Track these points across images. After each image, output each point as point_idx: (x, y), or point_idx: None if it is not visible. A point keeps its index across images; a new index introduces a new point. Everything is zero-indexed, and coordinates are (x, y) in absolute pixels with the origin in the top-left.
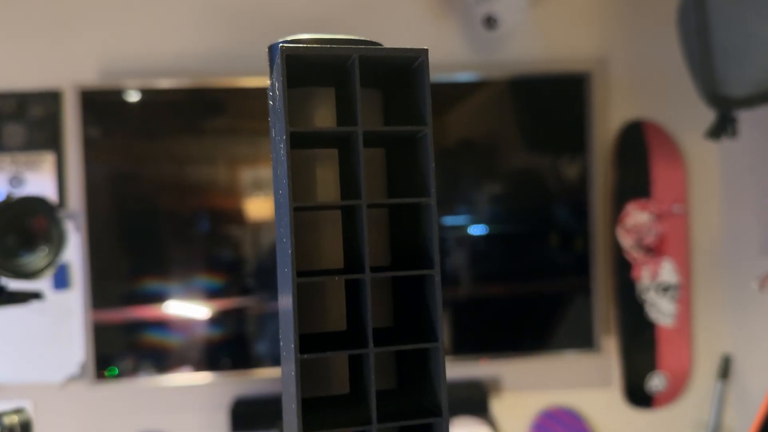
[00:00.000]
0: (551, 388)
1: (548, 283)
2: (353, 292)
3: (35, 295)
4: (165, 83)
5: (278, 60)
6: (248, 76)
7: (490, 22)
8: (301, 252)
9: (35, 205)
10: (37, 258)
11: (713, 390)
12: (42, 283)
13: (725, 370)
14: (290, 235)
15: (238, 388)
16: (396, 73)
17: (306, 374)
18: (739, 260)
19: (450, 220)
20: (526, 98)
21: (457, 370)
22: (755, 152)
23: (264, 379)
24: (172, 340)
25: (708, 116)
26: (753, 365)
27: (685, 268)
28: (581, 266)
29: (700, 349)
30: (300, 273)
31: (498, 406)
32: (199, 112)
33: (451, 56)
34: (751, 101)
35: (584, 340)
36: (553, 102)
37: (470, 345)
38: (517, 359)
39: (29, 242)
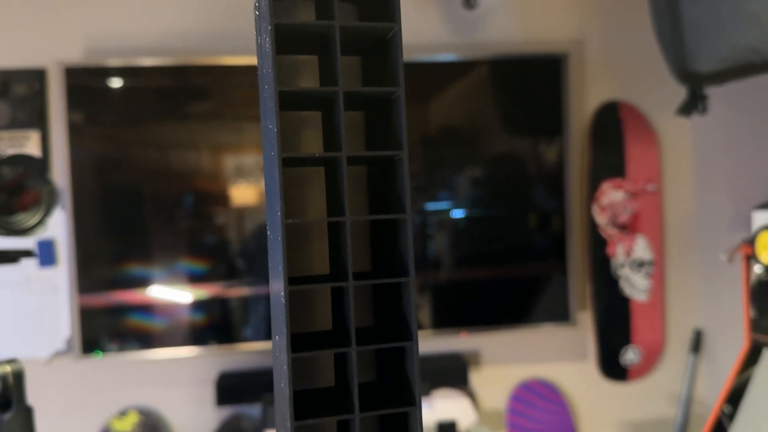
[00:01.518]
0: (529, 361)
1: (527, 260)
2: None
3: (26, 253)
4: (149, 62)
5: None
6: (233, 55)
7: (469, 1)
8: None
9: (25, 162)
10: (29, 215)
11: (685, 363)
12: (28, 262)
13: (697, 343)
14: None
15: (223, 362)
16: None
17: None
18: (711, 237)
19: (432, 206)
20: (505, 80)
21: (438, 343)
22: (726, 132)
23: (248, 353)
24: (157, 323)
25: (681, 97)
26: (723, 339)
27: (659, 244)
28: (558, 244)
29: (673, 323)
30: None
31: (477, 379)
32: (184, 94)
33: (432, 37)
34: (720, 77)
35: (561, 315)
36: (531, 84)
37: (451, 319)
38: (496, 333)
39: (21, 199)
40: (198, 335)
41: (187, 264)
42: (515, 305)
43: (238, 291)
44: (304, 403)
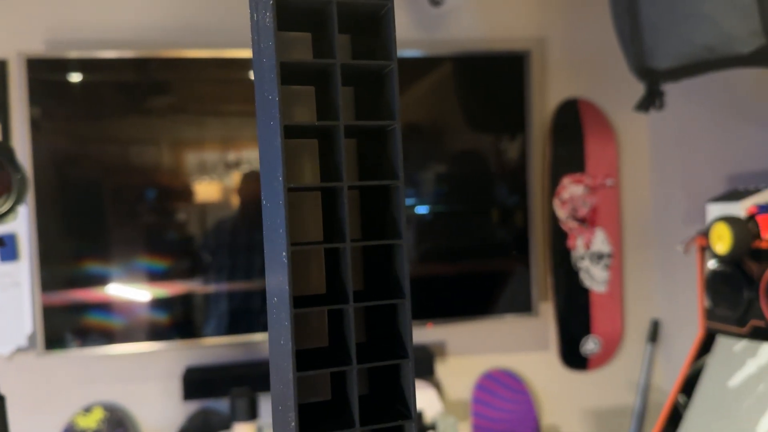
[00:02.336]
0: (493, 351)
1: (491, 254)
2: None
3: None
4: (112, 54)
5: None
6: (196, 49)
7: None
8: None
9: None
10: (0, 202)
11: (643, 352)
12: None
13: (654, 333)
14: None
15: (190, 356)
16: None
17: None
18: (667, 230)
19: None
20: (469, 77)
21: None
22: (681, 128)
23: (214, 347)
24: (121, 319)
25: (637, 94)
26: (678, 328)
27: (617, 237)
28: (521, 237)
29: (631, 313)
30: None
31: (443, 369)
32: (146, 88)
33: (397, 33)
34: (676, 73)
35: (523, 306)
36: (494, 81)
37: (418, 312)
38: (461, 324)
39: None
40: (162, 331)
41: (150, 260)
42: (480, 297)
43: (201, 286)
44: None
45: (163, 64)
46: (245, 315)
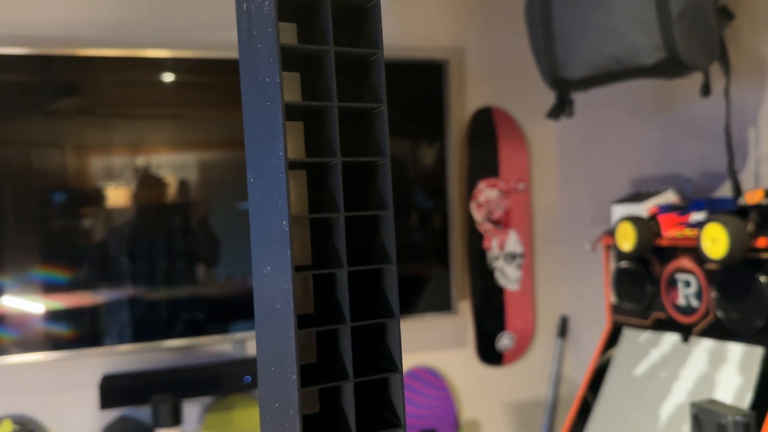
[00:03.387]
0: (414, 350)
1: (411, 256)
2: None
3: None
4: (13, 51)
5: None
6: (104, 48)
7: None
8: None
9: None
10: None
11: (553, 347)
12: None
13: (563, 328)
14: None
15: (107, 364)
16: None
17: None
18: (574, 231)
19: None
20: (389, 84)
21: None
22: (586, 135)
23: (130, 354)
24: (13, 332)
25: (547, 104)
26: (585, 323)
27: (528, 238)
28: (440, 239)
29: (542, 310)
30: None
31: None
32: (49, 89)
33: None
34: (586, 83)
35: (443, 305)
36: (414, 88)
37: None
38: None
39: None
40: (71, 340)
41: (51, 268)
42: (402, 297)
43: (113, 293)
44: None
45: (68, 62)
46: (156, 322)
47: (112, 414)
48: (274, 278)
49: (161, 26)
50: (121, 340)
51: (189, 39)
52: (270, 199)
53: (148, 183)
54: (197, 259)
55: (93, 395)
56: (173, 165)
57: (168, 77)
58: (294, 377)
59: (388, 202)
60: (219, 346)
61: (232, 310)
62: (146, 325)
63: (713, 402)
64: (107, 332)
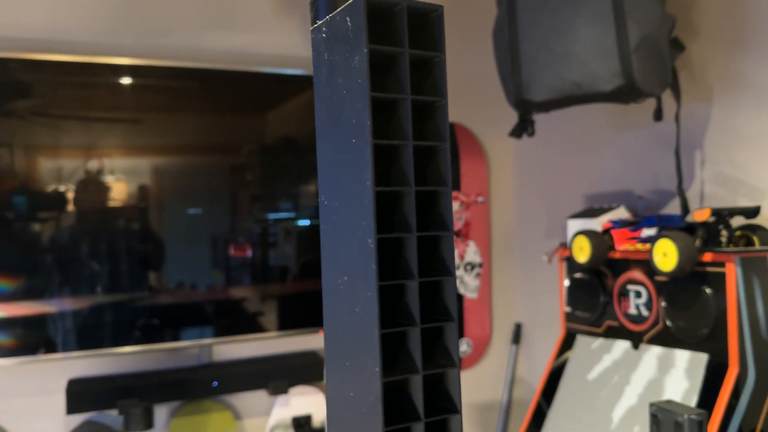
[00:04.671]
0: None
1: None
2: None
3: None
4: None
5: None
6: (59, 54)
7: None
8: None
9: None
10: None
11: (508, 352)
12: None
13: (517, 335)
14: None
15: (73, 369)
16: (417, 20)
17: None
18: (529, 242)
19: (275, 215)
20: None
21: (296, 342)
22: (542, 152)
23: (98, 357)
24: None
25: (504, 121)
26: (538, 331)
27: (486, 249)
28: None
29: (498, 318)
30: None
31: None
32: (1, 90)
33: (289, 51)
34: (548, 105)
35: None
36: None
37: (310, 319)
38: None
39: None
40: (29, 345)
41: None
42: None
43: (68, 300)
44: None
45: (22, 65)
46: (105, 329)
47: (77, 419)
48: (352, 287)
49: (119, 32)
50: (79, 347)
51: (146, 45)
52: (351, 219)
53: (99, 187)
54: (146, 264)
55: (58, 400)
56: (125, 170)
57: (124, 82)
58: (377, 369)
59: (449, 225)
60: (186, 351)
61: (184, 317)
62: (100, 331)
63: (670, 402)
64: (62, 339)
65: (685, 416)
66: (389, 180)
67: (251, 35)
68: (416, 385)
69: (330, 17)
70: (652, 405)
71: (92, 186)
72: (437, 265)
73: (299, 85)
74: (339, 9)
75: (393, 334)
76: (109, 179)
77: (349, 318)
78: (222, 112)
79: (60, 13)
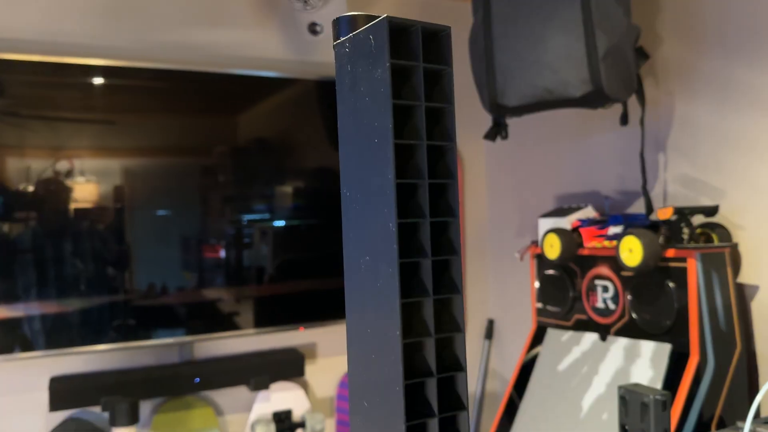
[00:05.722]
0: None
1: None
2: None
3: None
4: None
5: (381, 26)
6: (26, 54)
7: (314, 28)
8: None
9: None
10: None
11: (482, 347)
12: None
13: (489, 331)
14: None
15: (55, 366)
16: (429, 38)
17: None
18: (501, 242)
19: (250, 216)
20: (334, 99)
21: (277, 339)
22: (513, 155)
23: (79, 355)
24: None
25: (477, 127)
26: (510, 326)
27: (461, 247)
28: None
29: (471, 314)
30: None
31: (312, 370)
32: None
33: (262, 53)
34: (522, 110)
35: None
36: None
37: (290, 316)
38: (330, 326)
39: None
40: (17, 341)
41: None
42: (340, 304)
43: (43, 300)
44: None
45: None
46: (73, 328)
47: (60, 416)
48: (374, 265)
49: (90, 33)
50: (57, 345)
51: (118, 47)
52: (373, 208)
53: (69, 189)
54: (118, 265)
55: (39, 397)
56: (96, 170)
57: (95, 82)
58: (398, 332)
59: (455, 212)
60: (167, 348)
61: (157, 317)
62: (78, 330)
63: (637, 385)
64: (41, 338)
65: (651, 397)
66: (405, 174)
67: (224, 37)
68: (429, 347)
69: (353, 35)
70: (620, 388)
71: (61, 187)
72: (446, 246)
73: (272, 86)
74: (363, 28)
75: (407, 304)
76: (79, 180)
77: (371, 292)
78: (194, 114)
79: (31, 13)
